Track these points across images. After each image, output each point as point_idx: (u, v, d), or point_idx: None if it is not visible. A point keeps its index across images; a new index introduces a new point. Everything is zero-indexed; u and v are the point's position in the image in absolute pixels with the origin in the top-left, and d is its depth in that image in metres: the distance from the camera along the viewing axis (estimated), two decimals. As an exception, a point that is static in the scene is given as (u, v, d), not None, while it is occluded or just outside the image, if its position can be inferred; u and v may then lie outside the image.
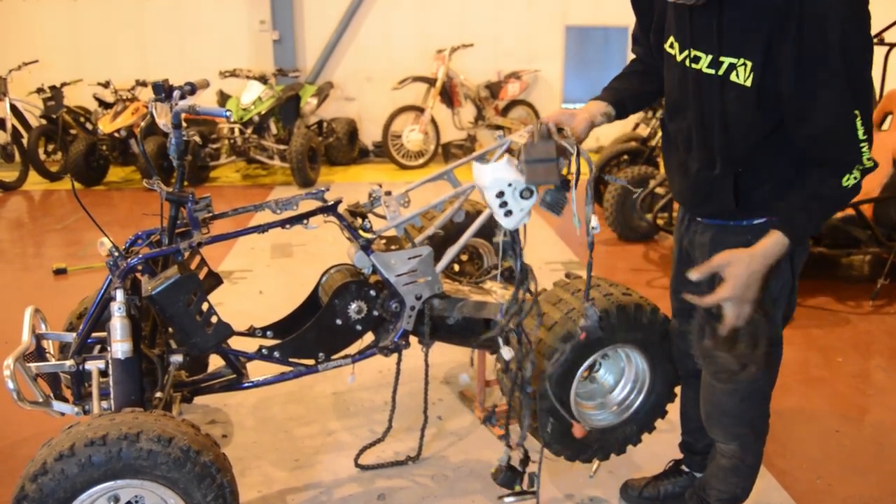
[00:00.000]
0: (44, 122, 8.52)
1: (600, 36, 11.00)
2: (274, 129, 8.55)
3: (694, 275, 1.81)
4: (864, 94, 1.69)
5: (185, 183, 2.36)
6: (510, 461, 2.16)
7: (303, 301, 2.72)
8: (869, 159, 1.72)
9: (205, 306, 2.26)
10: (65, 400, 2.30)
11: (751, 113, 1.76)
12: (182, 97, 2.25)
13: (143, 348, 2.28)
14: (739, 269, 1.74)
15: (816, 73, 1.64)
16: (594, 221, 1.93)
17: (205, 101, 9.06)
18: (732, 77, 1.75)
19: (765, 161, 1.83)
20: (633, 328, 2.34)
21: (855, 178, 1.73)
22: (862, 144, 1.70)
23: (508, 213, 2.03)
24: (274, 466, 2.71)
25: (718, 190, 1.88)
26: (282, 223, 2.44)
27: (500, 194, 1.96)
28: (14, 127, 8.14)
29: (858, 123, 1.68)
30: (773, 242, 1.75)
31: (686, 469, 2.48)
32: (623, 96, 2.14)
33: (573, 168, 1.88)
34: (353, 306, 2.52)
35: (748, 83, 1.72)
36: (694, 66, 1.83)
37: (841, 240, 4.63)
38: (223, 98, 8.68)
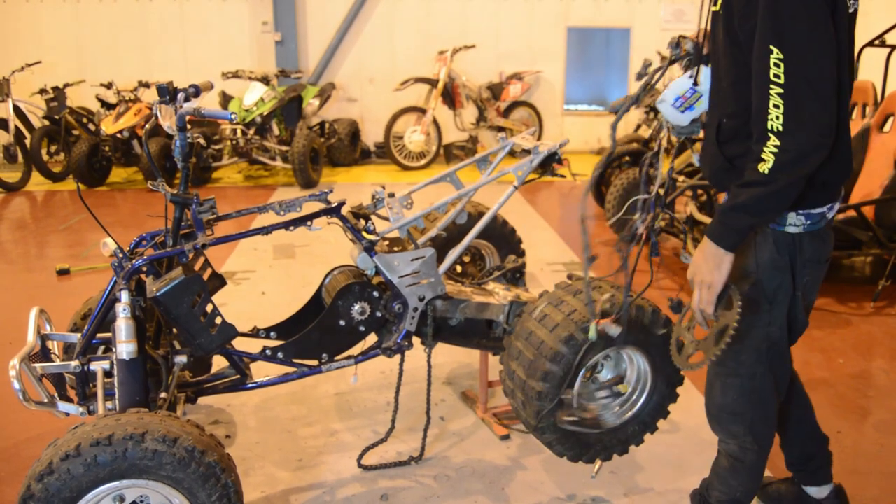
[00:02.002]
0: (47, 122, 8.54)
1: (602, 37, 11.01)
2: (276, 130, 8.57)
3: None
4: (794, 35, 1.59)
5: (189, 184, 2.37)
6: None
7: (306, 302, 2.73)
8: (780, 132, 1.61)
9: (209, 307, 2.27)
10: (69, 400, 2.32)
11: (727, 49, 1.77)
12: (186, 99, 2.26)
13: (147, 349, 2.29)
14: (696, 253, 1.80)
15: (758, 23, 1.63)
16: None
17: (207, 102, 9.10)
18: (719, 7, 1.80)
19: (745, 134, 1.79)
20: (634, 329, 2.35)
21: (768, 163, 1.63)
22: (773, 90, 1.60)
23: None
24: (277, 467, 2.72)
25: (713, 158, 1.93)
26: (286, 225, 2.45)
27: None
28: (17, 128, 8.16)
29: (775, 59, 1.59)
30: (710, 229, 1.77)
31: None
32: None
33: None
34: (357, 307, 2.54)
35: (718, 6, 1.79)
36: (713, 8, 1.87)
37: (842, 241, 4.63)
38: (226, 99, 8.70)
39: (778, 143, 1.62)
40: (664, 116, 2.09)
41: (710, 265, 1.77)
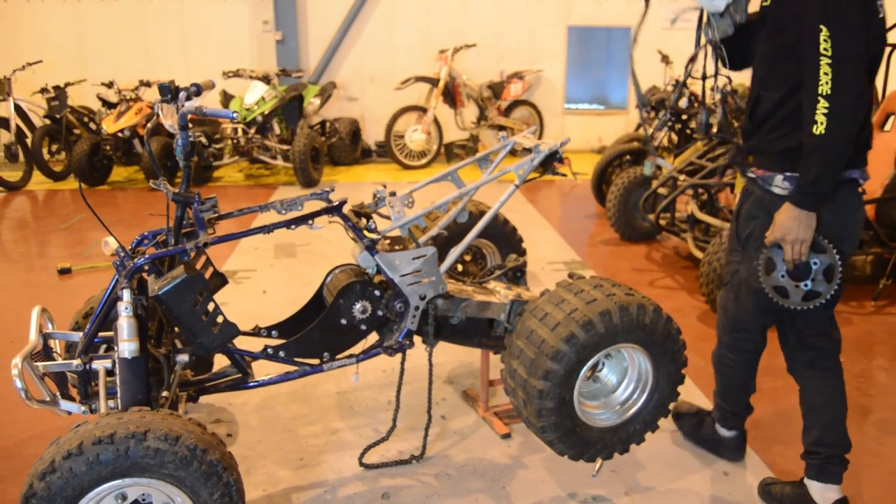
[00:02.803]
0: (48, 122, 8.54)
1: (602, 36, 11.00)
2: (277, 130, 8.57)
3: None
4: (841, 17, 2.00)
5: (191, 183, 2.37)
6: None
7: (307, 301, 2.74)
8: (829, 96, 1.98)
9: (211, 306, 2.27)
10: (72, 399, 2.32)
11: (773, 35, 2.21)
12: (188, 98, 2.26)
13: (149, 348, 2.29)
14: (783, 219, 2.17)
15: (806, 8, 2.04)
16: None
17: (208, 101, 9.10)
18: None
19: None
20: (635, 328, 2.35)
21: (821, 124, 2.01)
22: (822, 66, 2.00)
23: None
24: (279, 465, 2.73)
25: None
26: (287, 224, 2.46)
27: None
28: (18, 127, 8.17)
29: (825, 39, 1.99)
30: (796, 198, 2.15)
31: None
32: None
33: None
34: (358, 306, 2.54)
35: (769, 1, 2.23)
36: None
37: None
38: (226, 98, 8.70)
39: (827, 104, 1.99)
40: (705, 9, 2.38)
41: (801, 226, 2.14)
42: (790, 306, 2.27)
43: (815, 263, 2.22)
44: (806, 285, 2.24)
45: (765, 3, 2.25)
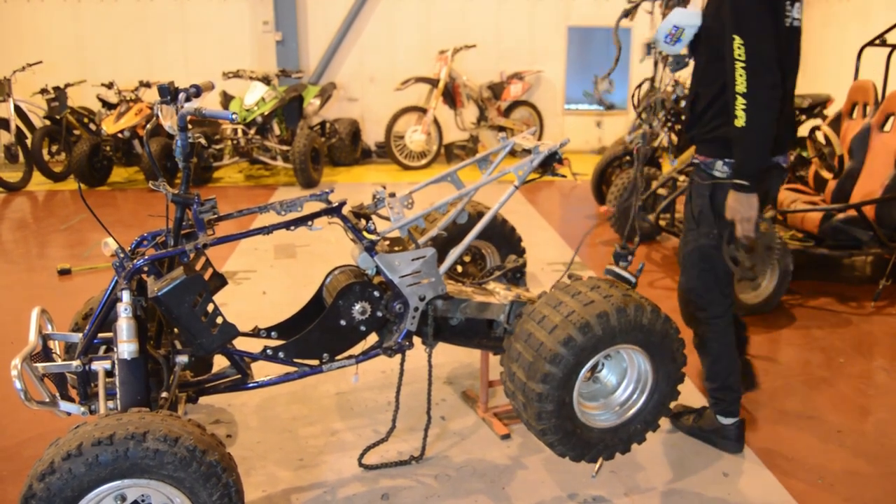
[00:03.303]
0: (48, 122, 8.55)
1: (602, 36, 11.00)
2: (277, 130, 8.57)
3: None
4: (750, 28, 2.32)
5: (190, 184, 2.37)
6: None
7: (307, 302, 2.74)
8: (746, 94, 2.31)
9: (210, 307, 2.27)
10: (71, 400, 2.32)
11: (706, 41, 2.57)
12: (187, 99, 2.26)
13: (148, 349, 2.29)
14: (731, 202, 2.48)
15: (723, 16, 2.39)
16: None
17: (208, 102, 9.10)
18: None
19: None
20: (633, 329, 2.34)
21: (741, 118, 2.33)
22: (738, 69, 2.32)
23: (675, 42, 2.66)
24: (278, 466, 2.73)
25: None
26: (286, 224, 2.46)
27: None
28: (18, 128, 8.17)
29: (738, 46, 2.32)
30: (736, 185, 2.45)
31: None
32: None
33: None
34: (357, 307, 2.54)
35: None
36: None
37: (843, 241, 4.63)
38: (226, 99, 8.70)
39: (744, 101, 2.32)
40: (664, 52, 2.68)
41: (744, 206, 2.44)
42: (738, 275, 2.59)
43: (759, 239, 2.60)
44: (752, 260, 2.63)
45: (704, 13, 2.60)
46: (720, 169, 2.56)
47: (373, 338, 2.68)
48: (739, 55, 2.31)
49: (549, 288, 2.53)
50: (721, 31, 2.40)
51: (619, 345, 2.36)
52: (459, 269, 3.42)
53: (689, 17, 2.57)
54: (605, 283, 2.44)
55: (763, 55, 2.31)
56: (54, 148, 8.77)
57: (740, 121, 2.34)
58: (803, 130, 6.35)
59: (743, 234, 2.50)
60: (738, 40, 2.31)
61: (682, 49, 2.61)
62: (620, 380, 2.57)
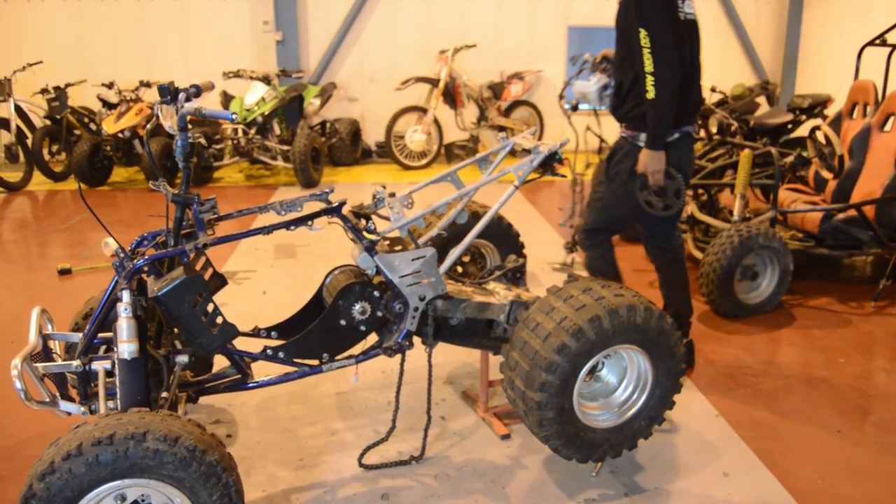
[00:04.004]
0: (48, 122, 8.55)
1: (602, 36, 10.99)
2: (277, 130, 8.57)
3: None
4: (650, 21, 2.93)
5: (190, 184, 2.37)
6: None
7: (307, 302, 2.74)
8: (653, 73, 2.93)
9: (210, 307, 2.27)
10: (71, 400, 2.32)
11: (620, 39, 3.15)
12: (187, 99, 2.27)
13: (148, 349, 2.29)
14: (644, 159, 3.10)
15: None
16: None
17: (208, 102, 9.10)
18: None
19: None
20: (627, 329, 2.33)
21: (651, 91, 2.94)
22: (645, 56, 2.93)
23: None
24: (278, 466, 2.73)
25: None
26: (286, 224, 2.46)
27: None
28: (18, 127, 8.17)
29: (643, 37, 2.92)
30: (649, 144, 3.08)
31: None
32: None
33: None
34: (357, 307, 2.54)
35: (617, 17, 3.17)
36: None
37: (843, 241, 4.63)
38: (227, 99, 8.70)
39: (652, 78, 2.94)
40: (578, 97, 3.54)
41: (654, 160, 3.07)
42: (654, 213, 3.20)
43: (669, 185, 3.18)
44: (663, 200, 3.20)
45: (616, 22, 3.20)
46: (643, 140, 3.13)
47: (373, 338, 2.68)
48: (645, 44, 2.92)
49: (548, 287, 2.52)
50: (630, 28, 3.00)
51: (614, 346, 2.35)
52: (459, 269, 3.42)
53: (586, 86, 3.41)
54: (596, 285, 2.42)
55: (663, 42, 2.93)
56: (55, 148, 8.77)
57: (650, 94, 2.95)
58: (803, 130, 6.35)
59: (654, 182, 3.11)
60: (642, 32, 2.92)
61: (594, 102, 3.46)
62: (621, 379, 2.57)
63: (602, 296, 2.35)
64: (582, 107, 3.79)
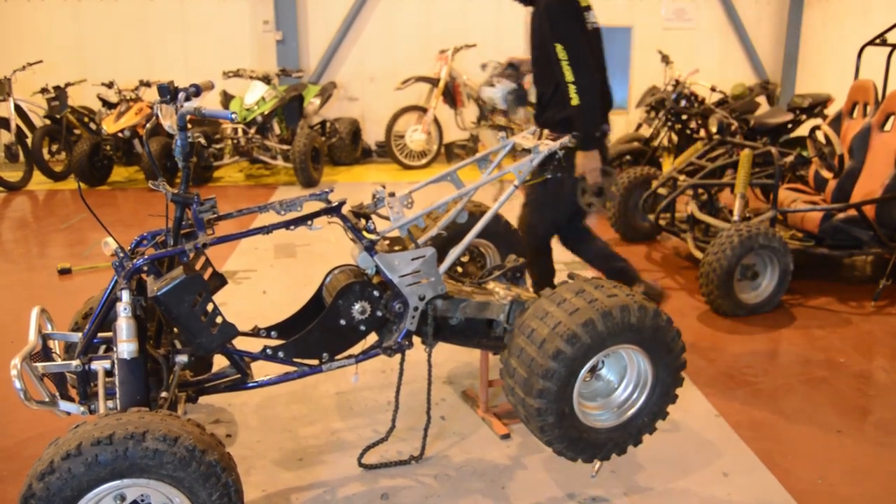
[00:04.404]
0: (48, 122, 8.54)
1: (602, 35, 11.00)
2: (277, 130, 8.57)
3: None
4: (564, 36, 3.20)
5: (190, 184, 2.37)
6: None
7: (306, 301, 2.73)
8: (574, 83, 3.19)
9: (210, 307, 2.27)
10: (71, 399, 2.32)
11: (538, 55, 3.44)
12: (187, 99, 2.26)
13: (148, 348, 2.29)
14: (582, 161, 3.31)
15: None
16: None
17: (208, 101, 9.10)
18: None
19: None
20: (622, 330, 2.32)
21: (574, 98, 3.20)
22: (564, 67, 3.19)
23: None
24: (278, 465, 2.73)
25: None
26: (286, 224, 2.46)
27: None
28: (18, 127, 8.17)
29: (560, 50, 3.18)
30: (583, 146, 3.26)
31: None
32: None
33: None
34: (357, 307, 2.54)
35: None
36: None
37: (843, 241, 4.63)
38: (227, 98, 8.70)
39: (574, 87, 3.18)
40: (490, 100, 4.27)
41: (592, 160, 3.29)
42: (592, 211, 3.45)
43: (605, 183, 3.39)
44: (603, 200, 3.41)
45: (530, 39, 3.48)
46: (569, 141, 3.21)
47: (372, 337, 2.68)
48: (563, 56, 3.18)
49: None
50: (545, 42, 3.24)
51: (610, 347, 2.34)
52: (459, 269, 3.42)
53: (492, 92, 3.79)
54: (589, 286, 2.41)
55: (579, 53, 3.20)
56: (54, 147, 8.77)
57: (574, 101, 3.19)
58: (803, 130, 6.35)
59: (593, 181, 3.33)
60: (559, 46, 3.18)
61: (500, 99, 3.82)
62: (621, 377, 2.56)
63: (595, 297, 2.33)
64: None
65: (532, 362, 2.29)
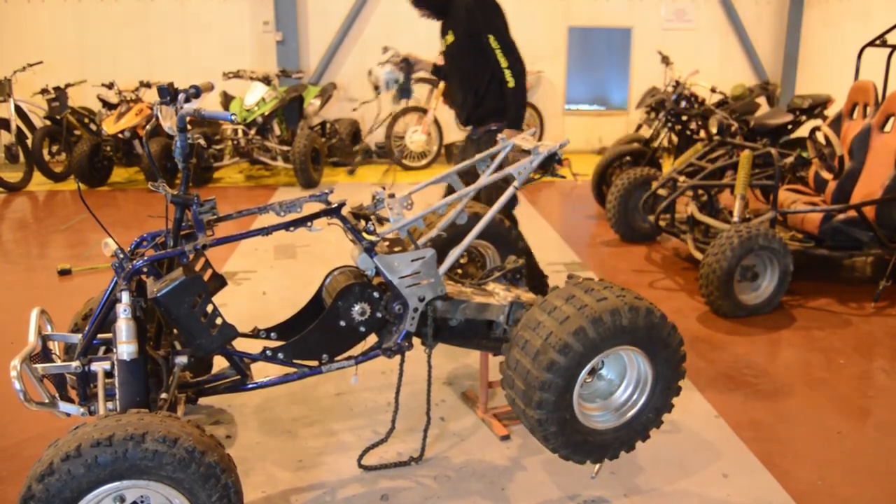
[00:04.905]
0: (48, 123, 8.55)
1: (603, 36, 11.00)
2: (277, 131, 8.57)
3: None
4: (495, 27, 3.62)
5: (190, 185, 2.37)
6: None
7: (306, 303, 2.73)
8: (509, 67, 3.61)
9: (209, 308, 2.27)
10: (70, 401, 2.32)
11: (467, 55, 3.75)
12: (187, 100, 2.26)
13: (148, 350, 2.29)
14: (510, 136, 3.23)
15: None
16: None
17: (208, 103, 9.11)
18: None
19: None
20: (614, 334, 2.31)
21: (511, 81, 3.62)
22: (498, 55, 3.60)
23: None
24: (278, 467, 2.73)
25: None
26: (286, 226, 2.46)
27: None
28: (19, 128, 8.18)
29: (494, 42, 3.60)
30: (513, 123, 3.68)
31: None
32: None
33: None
34: (357, 308, 2.54)
35: (451, 38, 3.82)
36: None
37: (843, 241, 4.63)
38: (227, 99, 8.70)
39: (509, 71, 3.60)
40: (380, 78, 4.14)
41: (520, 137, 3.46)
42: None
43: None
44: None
45: (449, 41, 3.81)
46: (495, 128, 3.73)
47: (372, 338, 2.68)
48: (496, 46, 3.60)
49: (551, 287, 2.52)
50: (478, 37, 3.62)
51: (605, 351, 2.33)
52: (459, 271, 3.42)
53: (381, 73, 4.06)
54: (580, 290, 2.39)
55: (510, 41, 3.64)
56: (55, 148, 8.78)
57: (511, 83, 3.61)
58: (803, 131, 6.35)
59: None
60: (492, 38, 3.60)
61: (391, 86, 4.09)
62: (621, 379, 2.56)
63: (585, 304, 2.32)
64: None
65: (528, 374, 2.29)
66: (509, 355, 2.39)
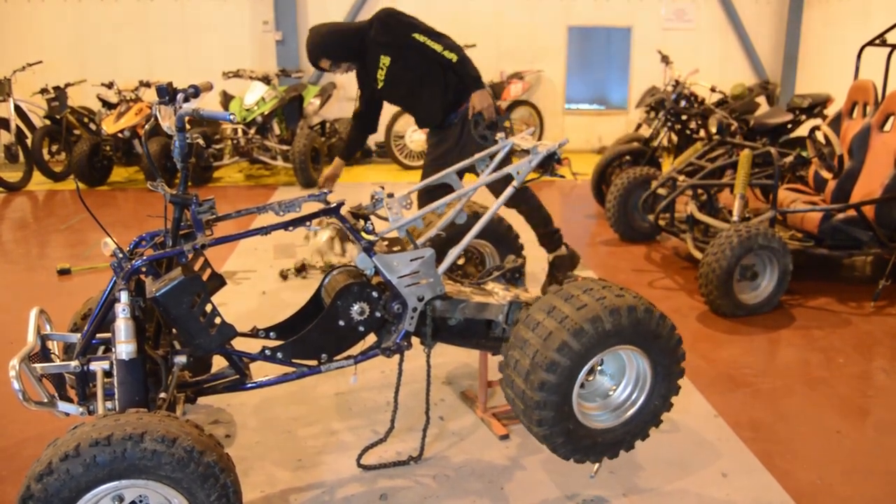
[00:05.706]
0: (48, 122, 8.55)
1: (603, 36, 11.00)
2: (277, 130, 8.57)
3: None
4: (415, 25, 3.93)
5: (189, 184, 2.37)
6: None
7: (305, 302, 2.73)
8: (444, 48, 3.88)
9: (208, 308, 2.27)
10: (69, 400, 2.32)
11: (413, 76, 4.05)
12: (186, 100, 2.26)
13: (147, 349, 2.29)
14: (478, 100, 3.93)
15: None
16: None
17: (208, 102, 9.11)
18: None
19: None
20: (606, 337, 2.31)
21: (450, 57, 3.88)
22: (429, 44, 3.89)
23: None
24: (277, 466, 2.73)
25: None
26: (285, 225, 2.46)
27: None
28: (18, 127, 8.18)
29: (419, 37, 3.89)
30: (476, 85, 3.95)
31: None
32: (351, 151, 4.65)
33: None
34: (356, 308, 2.54)
35: (384, 72, 4.08)
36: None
37: (842, 241, 4.63)
38: (226, 99, 8.70)
39: (446, 50, 3.87)
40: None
41: (486, 99, 3.92)
42: (489, 145, 3.64)
43: (499, 119, 3.94)
44: (493, 133, 3.76)
45: (381, 76, 4.07)
46: (452, 119, 4.09)
47: (371, 338, 2.68)
48: (424, 39, 3.87)
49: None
50: (408, 47, 3.89)
51: (598, 355, 2.32)
52: (458, 271, 3.42)
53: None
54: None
55: (431, 30, 3.92)
56: (54, 148, 8.78)
57: (454, 57, 3.87)
58: (803, 130, 6.35)
59: (489, 116, 3.87)
60: (416, 34, 3.87)
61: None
62: (620, 379, 2.55)
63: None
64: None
65: (524, 395, 2.28)
66: (505, 374, 2.40)
